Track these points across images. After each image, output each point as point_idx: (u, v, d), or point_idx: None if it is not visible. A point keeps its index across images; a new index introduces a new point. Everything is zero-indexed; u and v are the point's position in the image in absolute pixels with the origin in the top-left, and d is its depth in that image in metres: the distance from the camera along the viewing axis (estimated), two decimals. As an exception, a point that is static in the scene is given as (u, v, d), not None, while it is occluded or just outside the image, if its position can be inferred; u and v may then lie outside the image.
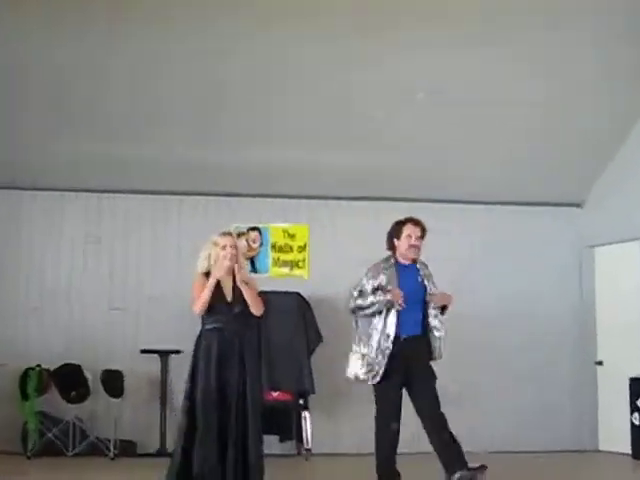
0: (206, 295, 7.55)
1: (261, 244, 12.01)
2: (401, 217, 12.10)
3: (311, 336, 11.43)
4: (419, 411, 7.89)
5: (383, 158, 11.56)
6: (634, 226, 11.65)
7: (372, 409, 11.70)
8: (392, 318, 7.82)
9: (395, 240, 8.13)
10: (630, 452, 11.14)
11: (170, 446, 11.10)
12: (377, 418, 7.95)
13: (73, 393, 11.13)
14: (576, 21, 9.90)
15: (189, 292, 11.32)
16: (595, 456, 11.96)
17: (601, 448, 12.14)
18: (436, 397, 7.93)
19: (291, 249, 12.21)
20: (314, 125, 11.07)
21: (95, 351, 11.54)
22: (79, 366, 11.21)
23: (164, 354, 11.50)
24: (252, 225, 11.95)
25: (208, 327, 7.67)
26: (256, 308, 7.62)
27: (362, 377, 7.94)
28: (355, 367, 7.97)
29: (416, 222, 8.18)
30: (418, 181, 11.94)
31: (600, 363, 12.37)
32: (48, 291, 11.76)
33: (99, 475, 9.38)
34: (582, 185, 12.47)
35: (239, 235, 8.25)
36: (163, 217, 12.05)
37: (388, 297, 7.73)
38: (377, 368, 7.82)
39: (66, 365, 11.21)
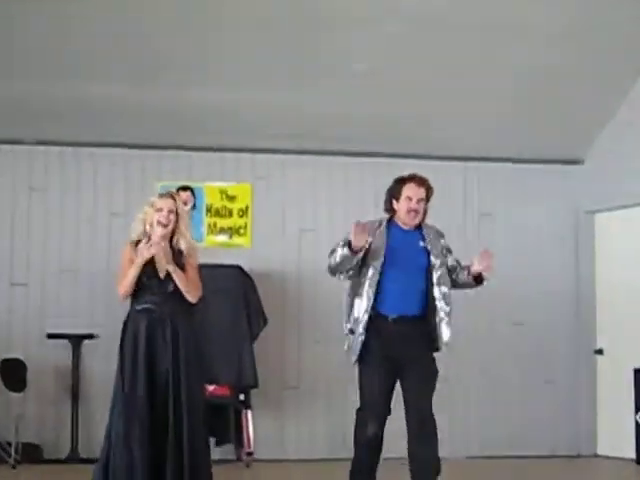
0: (132, 275, 7.45)
1: (194, 207, 11.96)
2: (369, 176, 12.23)
3: (254, 318, 11.34)
4: (406, 416, 7.68)
5: (347, 104, 11.54)
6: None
7: (326, 406, 11.92)
8: (370, 279, 7.62)
9: (394, 201, 7.89)
10: (634, 457, 11.26)
11: (83, 450, 11.16)
12: (357, 412, 7.76)
13: (-36, 387, 11.18)
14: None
15: (105, 263, 11.45)
16: (593, 462, 12.07)
17: (599, 452, 12.25)
18: (428, 403, 7.71)
19: (230, 213, 12.22)
20: (263, 62, 11.03)
21: (-9, 336, 11.57)
22: (-29, 354, 11.24)
23: (76, 339, 11.49)
24: (182, 184, 11.91)
25: (137, 308, 7.63)
26: (190, 294, 7.55)
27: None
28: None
29: (420, 181, 7.88)
30: (385, 132, 11.97)
31: (600, 352, 12.46)
32: None
33: None
34: (581, 139, 12.55)
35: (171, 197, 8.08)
36: (74, 174, 11.98)
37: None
38: (354, 345, 7.68)
39: (-45, 353, 11.24)
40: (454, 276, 7.92)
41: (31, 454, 11.24)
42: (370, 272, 7.62)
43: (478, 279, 7.88)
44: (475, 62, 11.23)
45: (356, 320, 7.69)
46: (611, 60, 11.44)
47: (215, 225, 12.10)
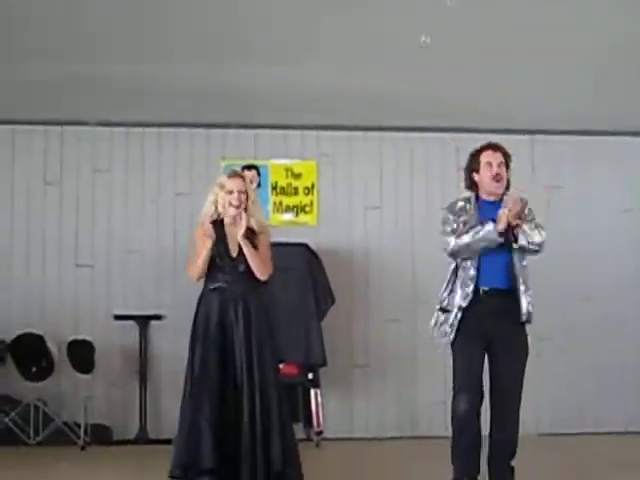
0: (202, 261, 7.53)
1: (258, 185, 11.89)
2: (436, 151, 12.13)
3: (321, 296, 11.30)
4: (490, 398, 7.70)
5: (411, 81, 11.42)
6: None
7: (395, 384, 11.82)
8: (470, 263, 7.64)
9: (474, 175, 7.81)
10: None
11: (152, 431, 11.16)
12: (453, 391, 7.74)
13: (34, 369, 11.20)
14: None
15: (171, 243, 11.43)
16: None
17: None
18: (514, 384, 7.72)
19: (296, 191, 12.18)
20: (327, 40, 10.94)
21: (59, 318, 11.59)
22: (41, 336, 11.22)
23: (143, 320, 11.54)
24: (247, 163, 11.84)
25: (209, 287, 7.62)
26: (260, 271, 7.57)
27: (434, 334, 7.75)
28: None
29: (495, 147, 7.84)
30: (445, 108, 11.80)
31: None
32: (2, 248, 11.77)
33: (67, 469, 9.36)
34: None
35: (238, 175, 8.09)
36: (138, 155, 11.99)
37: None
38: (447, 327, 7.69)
39: (25, 335, 11.23)
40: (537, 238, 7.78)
41: (100, 435, 11.32)
42: None
43: (512, 234, 7.64)
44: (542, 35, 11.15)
45: (464, 296, 7.61)
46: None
47: (281, 203, 12.08)
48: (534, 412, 11.70)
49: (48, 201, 11.88)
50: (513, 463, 7.70)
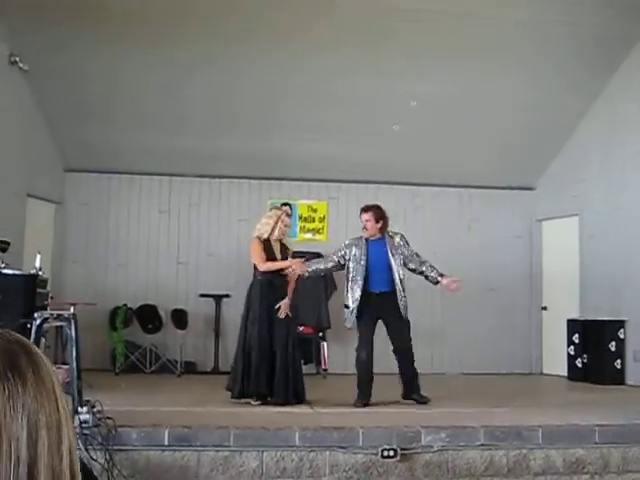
0: (276, 266, 7.80)
1: (291, 216, 12.07)
2: (394, 196, 12.27)
3: (328, 286, 11.46)
4: (394, 350, 7.95)
5: (384, 153, 11.62)
6: (573, 205, 11.69)
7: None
8: (361, 272, 7.88)
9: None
10: (566, 375, 11.18)
11: (222, 365, 11.32)
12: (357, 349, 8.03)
13: (150, 326, 11.29)
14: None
15: (236, 250, 11.60)
16: (540, 378, 12.02)
17: (545, 372, 12.22)
18: (407, 339, 7.94)
19: (314, 220, 12.26)
20: (331, 123, 11.13)
21: (167, 295, 11.65)
22: (155, 306, 11.37)
23: (217, 297, 11.61)
24: (284, 201, 12.02)
25: (260, 278, 7.82)
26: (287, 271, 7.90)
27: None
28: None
29: (363, 209, 8.19)
30: (407, 169, 11.94)
31: (545, 308, 12.42)
32: (132, 250, 11.89)
33: (170, 387, 9.52)
34: (535, 172, 12.43)
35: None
36: (217, 195, 12.13)
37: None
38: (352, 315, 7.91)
39: (145, 305, 11.37)
40: (414, 265, 8.02)
41: (189, 368, 11.36)
42: (359, 268, 7.87)
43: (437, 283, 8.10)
44: (463, 132, 11.34)
45: (354, 298, 7.87)
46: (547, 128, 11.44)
47: (304, 227, 12.18)
48: (458, 356, 11.88)
49: (161, 223, 12.06)
50: (419, 383, 7.96)
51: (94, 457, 5.56)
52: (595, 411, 7.26)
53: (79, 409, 5.70)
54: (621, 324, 10.67)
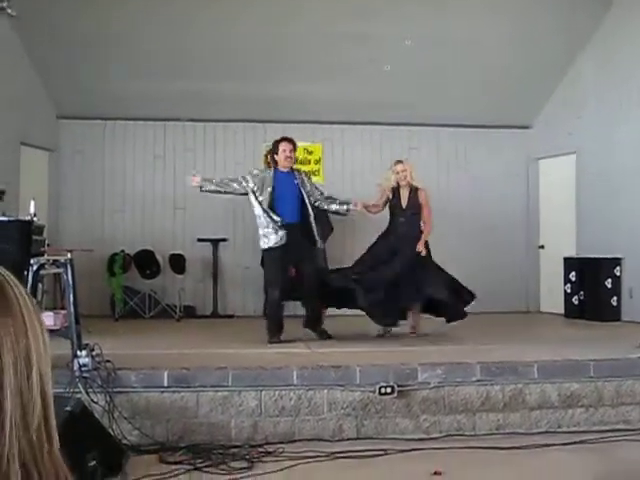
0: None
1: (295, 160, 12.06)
2: (389, 137, 12.24)
3: (325, 226, 11.36)
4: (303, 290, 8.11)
5: (376, 92, 11.53)
6: (569, 144, 11.66)
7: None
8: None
9: (275, 155, 8.11)
10: (563, 312, 11.28)
11: (220, 309, 11.40)
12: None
13: (148, 271, 11.36)
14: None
15: (232, 195, 11.54)
16: (538, 315, 12.10)
17: (542, 310, 12.30)
18: (315, 273, 8.05)
19: (309, 162, 12.18)
20: (325, 65, 11.04)
21: (164, 240, 11.68)
22: (152, 251, 11.39)
23: (215, 242, 11.63)
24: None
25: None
26: None
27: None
28: None
29: (289, 140, 8.17)
30: (401, 110, 11.82)
31: (542, 247, 12.44)
32: (128, 196, 11.88)
33: (169, 331, 9.58)
34: (531, 110, 12.34)
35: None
36: (211, 139, 12.07)
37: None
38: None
39: (143, 250, 11.40)
40: (319, 200, 8.18)
41: (188, 312, 11.45)
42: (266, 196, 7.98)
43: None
44: (457, 67, 11.23)
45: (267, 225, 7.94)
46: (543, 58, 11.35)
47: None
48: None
49: (156, 169, 12.00)
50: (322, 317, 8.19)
51: (94, 399, 5.64)
52: (590, 346, 7.35)
53: (78, 353, 5.76)
54: (617, 262, 10.73)
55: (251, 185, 8.02)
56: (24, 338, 1.16)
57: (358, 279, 8.08)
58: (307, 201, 7.98)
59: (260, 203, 7.95)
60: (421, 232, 8.46)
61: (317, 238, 7.97)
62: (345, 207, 8.34)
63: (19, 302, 1.18)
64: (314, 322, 8.19)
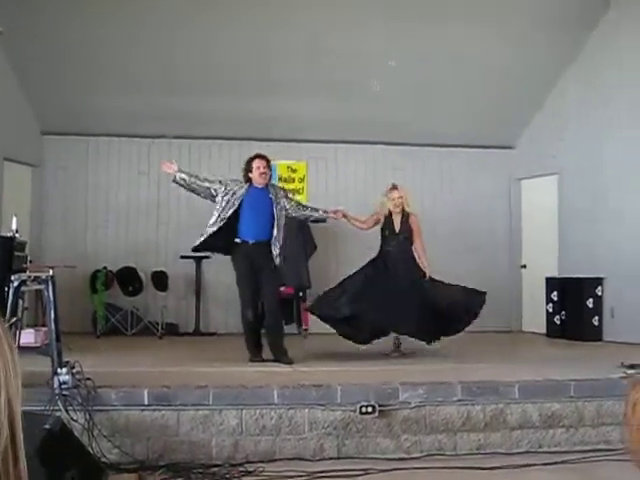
0: None
1: (270, 176, 12.00)
2: (373, 156, 12.27)
3: (308, 246, 11.40)
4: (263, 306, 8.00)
5: (361, 111, 11.57)
6: (552, 164, 11.74)
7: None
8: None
9: (249, 173, 8.01)
10: (545, 332, 11.32)
11: (203, 327, 11.37)
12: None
13: (131, 288, 11.31)
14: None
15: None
16: (520, 335, 12.13)
17: (524, 329, 12.33)
18: (275, 294, 8.05)
19: (293, 180, 12.20)
20: (310, 84, 11.08)
21: (147, 257, 11.65)
22: (135, 268, 11.36)
23: (198, 259, 11.47)
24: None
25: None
26: None
27: None
28: None
29: (262, 156, 8.08)
30: (386, 130, 11.89)
31: (524, 266, 12.50)
32: (111, 212, 11.84)
33: (151, 349, 9.54)
34: (514, 132, 12.45)
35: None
36: (196, 157, 12.01)
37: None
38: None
39: (125, 267, 11.36)
40: (296, 213, 8.14)
41: (171, 329, 11.38)
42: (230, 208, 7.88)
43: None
44: (444, 90, 11.30)
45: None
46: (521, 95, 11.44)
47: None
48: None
49: (140, 185, 11.97)
50: (283, 344, 7.96)
51: (74, 417, 5.60)
52: (571, 366, 7.37)
53: (58, 370, 5.72)
54: (599, 281, 10.79)
55: (223, 189, 7.90)
56: None
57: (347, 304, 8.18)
58: (276, 218, 7.88)
59: (221, 211, 7.86)
60: (412, 256, 8.54)
61: (275, 258, 7.86)
62: (321, 211, 8.29)
63: None
64: (275, 350, 7.92)
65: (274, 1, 9.93)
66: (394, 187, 8.81)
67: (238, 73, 10.81)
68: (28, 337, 7.96)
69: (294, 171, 12.16)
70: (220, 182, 8.03)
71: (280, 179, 12.03)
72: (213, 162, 12.00)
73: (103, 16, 9.85)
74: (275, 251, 7.80)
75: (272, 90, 11.13)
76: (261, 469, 5.61)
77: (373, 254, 8.77)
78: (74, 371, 5.78)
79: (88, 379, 5.80)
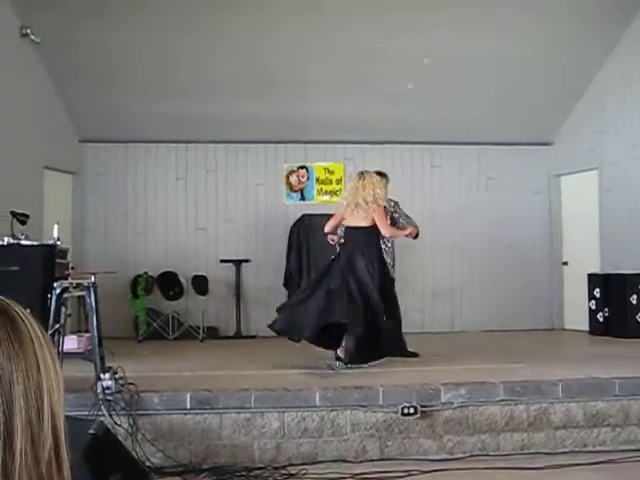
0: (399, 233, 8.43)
1: (308, 178, 12.09)
2: (411, 156, 12.23)
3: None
4: None
5: (397, 111, 11.54)
6: (591, 160, 11.61)
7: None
8: None
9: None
10: (588, 329, 11.18)
11: (244, 330, 11.41)
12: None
13: (171, 293, 11.38)
14: None
15: (254, 215, 11.67)
16: (562, 333, 12.02)
17: (566, 327, 12.20)
18: None
19: (331, 182, 12.21)
20: (346, 84, 11.08)
21: (187, 261, 11.71)
22: (175, 273, 11.43)
23: (238, 263, 11.64)
24: (300, 164, 12.03)
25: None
26: None
27: None
28: None
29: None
30: (423, 129, 11.83)
31: (566, 263, 12.36)
32: (149, 219, 11.93)
33: (192, 353, 9.60)
34: (552, 128, 12.33)
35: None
36: (233, 161, 12.11)
37: None
38: None
39: (166, 272, 11.44)
40: None
41: (211, 333, 11.42)
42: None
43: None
44: (479, 85, 11.23)
45: None
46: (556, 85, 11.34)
47: (321, 189, 12.11)
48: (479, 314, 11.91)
49: (178, 191, 12.06)
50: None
51: (118, 422, 5.66)
52: (615, 364, 7.28)
53: (101, 375, 5.79)
54: (642, 277, 10.64)
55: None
56: (36, 373, 1.17)
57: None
58: None
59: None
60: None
61: None
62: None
63: (31, 337, 1.19)
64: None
65: (309, 3, 9.93)
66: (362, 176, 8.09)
67: (273, 76, 10.82)
68: (71, 343, 8.05)
69: (331, 172, 12.15)
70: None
71: (318, 180, 12.06)
72: (249, 165, 12.07)
73: (140, 23, 9.92)
74: None
75: (307, 92, 11.15)
76: (304, 471, 5.63)
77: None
78: (117, 376, 5.85)
79: (131, 384, 5.87)
